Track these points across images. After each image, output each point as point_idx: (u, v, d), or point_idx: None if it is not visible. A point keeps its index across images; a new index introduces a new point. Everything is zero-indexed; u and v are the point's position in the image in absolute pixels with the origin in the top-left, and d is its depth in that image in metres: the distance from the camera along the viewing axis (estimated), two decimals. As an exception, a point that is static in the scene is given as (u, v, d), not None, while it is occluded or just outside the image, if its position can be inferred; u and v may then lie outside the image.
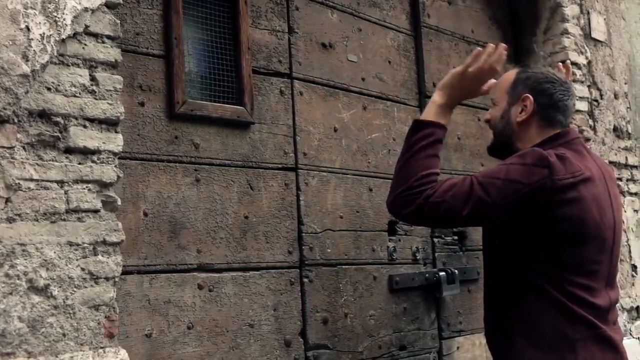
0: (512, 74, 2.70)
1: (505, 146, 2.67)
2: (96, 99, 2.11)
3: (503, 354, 2.62)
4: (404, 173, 2.53)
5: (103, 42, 2.15)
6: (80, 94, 2.07)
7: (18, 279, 1.90)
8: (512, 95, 2.65)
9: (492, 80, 2.69)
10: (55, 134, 2.02)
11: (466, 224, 2.81)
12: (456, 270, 3.47)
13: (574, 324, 2.45)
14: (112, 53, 2.16)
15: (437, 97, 2.65)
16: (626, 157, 4.57)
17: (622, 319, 4.31)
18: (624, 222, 3.39)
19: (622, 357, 2.56)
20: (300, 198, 2.93)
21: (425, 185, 2.49)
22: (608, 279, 2.58)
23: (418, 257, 3.41)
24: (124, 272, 2.23)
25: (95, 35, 2.13)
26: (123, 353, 2.10)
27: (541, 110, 2.61)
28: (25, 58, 1.94)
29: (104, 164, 2.11)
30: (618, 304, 4.19)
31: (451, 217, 2.48)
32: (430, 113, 2.63)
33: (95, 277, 2.05)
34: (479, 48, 2.66)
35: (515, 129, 2.65)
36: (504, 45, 2.64)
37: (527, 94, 2.61)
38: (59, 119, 2.02)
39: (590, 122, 4.28)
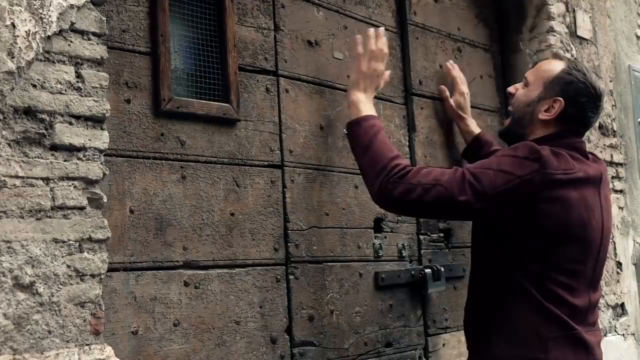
0: (557, 66, 2.68)
1: (517, 135, 2.67)
2: (82, 96, 2.10)
3: (477, 348, 2.64)
4: (374, 161, 2.55)
5: (89, 39, 2.15)
6: (66, 91, 2.07)
7: (3, 276, 1.90)
8: (547, 90, 2.64)
9: (387, 72, 2.78)
10: (41, 130, 2.01)
11: (456, 213, 2.75)
12: (442, 268, 3.47)
13: (549, 324, 2.47)
14: (98, 50, 2.16)
15: (353, 97, 2.75)
16: (611, 155, 4.59)
17: (607, 315, 4.34)
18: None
19: (595, 359, 2.58)
20: (286, 195, 2.93)
21: (401, 162, 2.51)
22: (591, 281, 2.60)
23: (404, 254, 3.42)
24: (110, 269, 2.23)
25: (81, 32, 2.13)
26: (109, 350, 2.10)
27: (566, 117, 2.62)
28: (11, 55, 1.94)
29: (89, 161, 2.11)
30: (603, 301, 4.25)
31: (444, 203, 2.48)
32: (358, 111, 2.68)
33: (81, 274, 2.05)
34: (359, 35, 2.72)
35: (535, 122, 2.65)
36: (382, 28, 2.71)
37: (560, 98, 2.60)
38: (44, 116, 2.02)
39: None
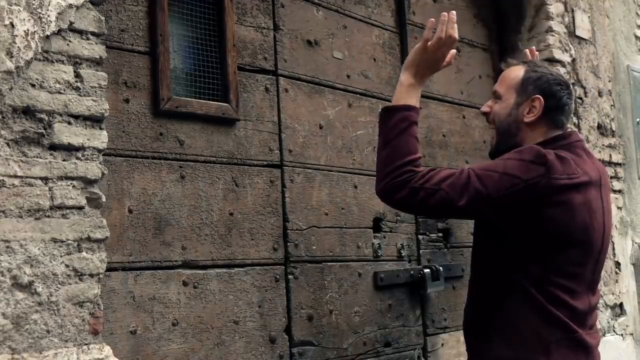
0: (519, 70, 2.68)
1: (508, 146, 2.66)
2: (81, 96, 2.10)
3: (477, 348, 2.63)
4: (389, 159, 2.52)
5: (88, 39, 2.14)
6: (64, 90, 2.07)
7: (2, 276, 1.89)
8: (521, 94, 2.63)
9: (453, 51, 2.69)
10: (40, 130, 2.01)
11: (459, 215, 2.76)
12: (441, 267, 3.47)
13: (550, 326, 2.46)
14: (96, 50, 2.16)
15: (404, 78, 2.63)
16: (610, 155, 4.59)
17: (605, 315, 4.34)
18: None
19: None
20: (286, 195, 2.93)
21: (414, 169, 2.48)
22: (591, 284, 2.59)
23: (403, 254, 3.42)
24: (109, 269, 2.23)
25: (79, 32, 2.13)
26: (107, 350, 2.10)
27: (548, 112, 2.61)
28: (10, 54, 1.94)
29: (88, 161, 2.11)
30: (602, 301, 4.25)
31: (445, 207, 2.47)
32: (400, 96, 2.61)
33: (79, 273, 2.05)
34: (432, 19, 2.65)
35: (522, 128, 2.64)
36: (454, 12, 2.65)
37: (538, 95, 2.60)
38: (43, 116, 2.02)
39: (575, 119, 4.30)
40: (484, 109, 2.77)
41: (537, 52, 3.16)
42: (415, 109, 2.59)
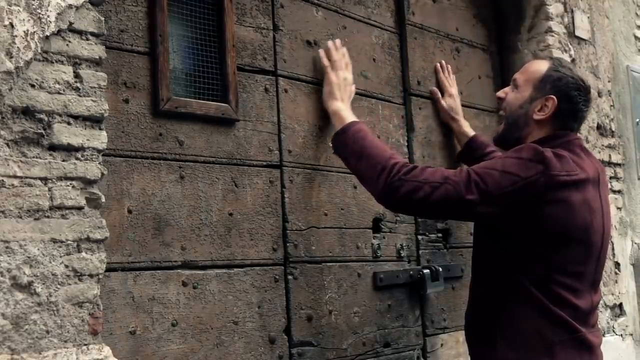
0: (543, 65, 2.68)
1: (513, 138, 2.67)
2: (80, 96, 2.10)
3: (480, 351, 2.63)
4: (371, 164, 2.55)
5: (87, 39, 2.14)
6: (64, 90, 2.07)
7: (1, 276, 1.89)
8: (538, 90, 2.64)
9: (352, 87, 2.98)
10: (39, 130, 2.01)
11: (461, 213, 2.63)
12: (440, 268, 3.47)
13: (553, 327, 2.47)
14: (96, 50, 2.16)
15: (332, 106, 2.86)
16: (609, 155, 4.59)
17: (605, 316, 4.34)
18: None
19: None
20: (285, 195, 2.93)
21: (398, 160, 2.52)
22: (593, 282, 2.60)
23: (402, 255, 3.42)
24: (108, 269, 2.23)
25: (79, 32, 2.12)
26: (107, 350, 2.10)
27: (560, 115, 2.62)
28: (9, 55, 1.94)
29: (88, 161, 2.11)
30: (601, 302, 4.25)
31: (450, 202, 2.46)
32: (340, 120, 2.80)
33: (79, 274, 2.05)
34: (321, 49, 2.98)
35: (530, 123, 2.65)
36: (338, 39, 2.98)
37: (553, 96, 2.60)
38: (42, 116, 2.02)
39: (574, 120, 4.29)
40: (500, 94, 2.80)
41: (448, 65, 3.30)
42: (361, 122, 2.69)
